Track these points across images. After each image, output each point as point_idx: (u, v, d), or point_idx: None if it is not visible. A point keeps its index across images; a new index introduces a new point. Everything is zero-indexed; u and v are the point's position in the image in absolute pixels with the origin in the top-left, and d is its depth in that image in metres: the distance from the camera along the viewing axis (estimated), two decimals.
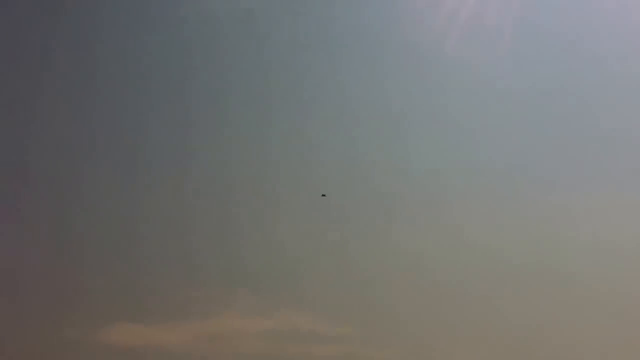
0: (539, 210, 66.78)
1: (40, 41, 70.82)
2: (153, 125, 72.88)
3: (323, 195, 65.13)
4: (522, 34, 76.73)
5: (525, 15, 77.30)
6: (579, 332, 59.91)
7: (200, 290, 63.30)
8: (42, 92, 68.86)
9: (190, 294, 62.82)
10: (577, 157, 71.25)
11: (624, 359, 57.86)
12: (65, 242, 64.64)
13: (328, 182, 70.90)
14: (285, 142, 74.00)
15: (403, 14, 76.07)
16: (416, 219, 68.90)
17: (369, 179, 71.84)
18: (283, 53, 77.27)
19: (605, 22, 78.53)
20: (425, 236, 67.82)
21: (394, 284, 64.43)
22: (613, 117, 73.84)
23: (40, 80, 70.09)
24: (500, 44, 73.43)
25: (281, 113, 75.49)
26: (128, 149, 70.68)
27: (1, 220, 63.83)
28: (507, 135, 73.25)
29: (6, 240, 62.18)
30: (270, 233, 67.34)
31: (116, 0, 73.34)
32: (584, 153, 71.37)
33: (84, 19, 73.35)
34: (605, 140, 71.95)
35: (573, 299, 62.24)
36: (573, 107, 74.56)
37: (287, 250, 66.58)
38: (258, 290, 64.11)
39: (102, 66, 72.79)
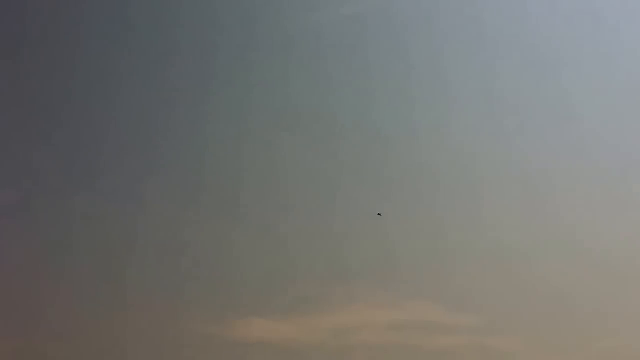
0: None
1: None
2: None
3: (379, 214, 65.47)
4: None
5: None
6: None
7: (326, 285, 64.82)
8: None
9: (316, 289, 64.41)
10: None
11: None
12: (190, 242, 67.20)
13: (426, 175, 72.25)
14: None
15: None
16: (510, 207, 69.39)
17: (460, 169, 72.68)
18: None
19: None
20: (529, 225, 68.36)
21: (517, 275, 64.82)
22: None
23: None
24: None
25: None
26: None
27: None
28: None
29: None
30: (390, 227, 68.50)
31: None
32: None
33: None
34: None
35: None
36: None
37: (409, 243, 67.94)
38: (384, 283, 65.07)
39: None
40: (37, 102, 69.86)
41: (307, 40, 76.82)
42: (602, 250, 64.37)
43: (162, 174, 69.80)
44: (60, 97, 71.03)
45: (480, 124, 74.44)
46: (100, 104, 72.10)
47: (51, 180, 66.72)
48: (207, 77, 75.00)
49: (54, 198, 65.74)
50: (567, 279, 63.59)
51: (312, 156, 72.95)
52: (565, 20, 78.16)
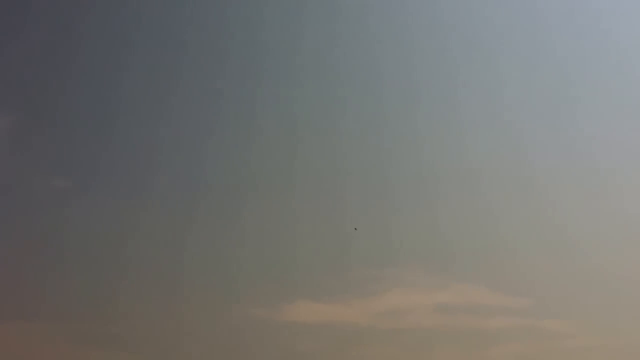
0: None
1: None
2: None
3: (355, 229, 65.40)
4: None
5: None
6: None
7: (374, 268, 65.03)
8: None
9: (365, 272, 64.61)
10: None
11: None
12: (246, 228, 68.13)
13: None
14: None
15: None
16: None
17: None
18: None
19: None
20: (581, 206, 67.61)
21: (568, 256, 64.29)
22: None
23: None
24: None
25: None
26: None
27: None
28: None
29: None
30: (439, 210, 68.56)
31: None
32: None
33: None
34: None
35: None
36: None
37: (458, 226, 67.68)
38: (433, 265, 65.18)
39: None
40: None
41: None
42: None
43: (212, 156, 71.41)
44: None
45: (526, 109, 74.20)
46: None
47: (103, 168, 67.88)
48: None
49: (106, 184, 67.14)
50: (620, 260, 62.97)
51: (362, 144, 73.47)
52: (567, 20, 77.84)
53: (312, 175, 70.65)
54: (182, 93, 71.10)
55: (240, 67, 74.23)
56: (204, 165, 69.78)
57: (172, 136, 69.88)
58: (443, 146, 72.33)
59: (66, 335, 57.05)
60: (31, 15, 68.73)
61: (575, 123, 72.30)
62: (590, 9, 77.47)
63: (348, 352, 59.98)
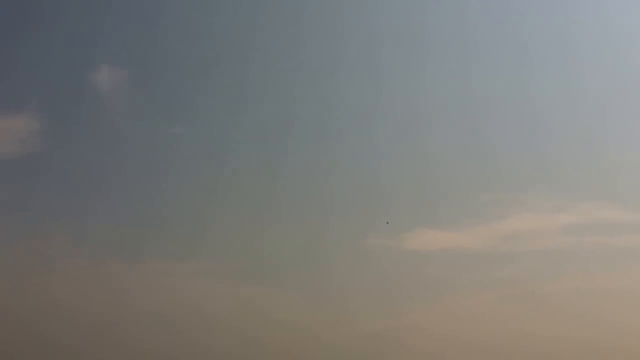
0: None
1: None
2: None
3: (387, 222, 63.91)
4: None
5: None
6: None
7: (494, 192, 65.07)
8: None
9: (486, 197, 64.72)
10: None
11: None
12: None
13: None
14: None
15: None
16: None
17: None
18: None
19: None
20: None
21: None
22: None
23: None
24: None
25: None
26: None
27: None
28: None
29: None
30: (554, 130, 67.56)
31: None
32: None
33: None
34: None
35: None
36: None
37: (574, 144, 66.77)
38: (553, 186, 64.78)
39: None
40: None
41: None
42: None
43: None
44: None
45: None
46: None
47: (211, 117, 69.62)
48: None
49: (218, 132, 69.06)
50: None
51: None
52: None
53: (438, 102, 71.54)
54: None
55: None
56: (336, 111, 71.14)
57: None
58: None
59: (223, 272, 59.61)
60: None
61: None
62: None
63: (474, 277, 60.52)
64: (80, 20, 67.98)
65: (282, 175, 66.72)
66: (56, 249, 57.41)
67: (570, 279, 59.00)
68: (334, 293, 59.02)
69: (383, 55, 72.32)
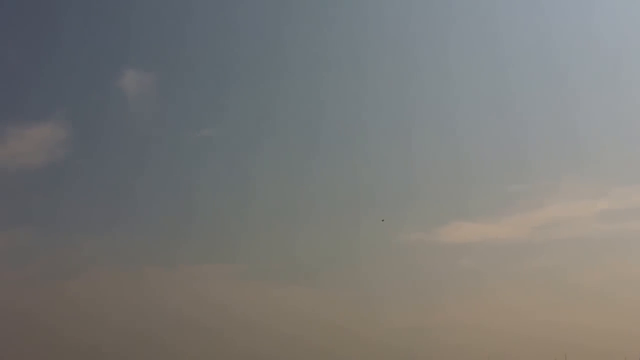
0: None
1: None
2: None
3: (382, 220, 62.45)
4: None
5: None
6: None
7: (527, 181, 64.17)
8: None
9: (517, 187, 63.79)
10: None
11: None
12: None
13: None
14: None
15: None
16: None
17: None
18: None
19: None
20: None
21: None
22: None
23: None
24: None
25: None
26: None
27: None
28: None
29: None
30: (587, 117, 66.44)
31: None
32: None
33: None
34: None
35: None
36: None
37: (609, 129, 65.62)
38: (586, 173, 63.47)
39: None
40: None
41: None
42: None
43: None
44: None
45: None
46: None
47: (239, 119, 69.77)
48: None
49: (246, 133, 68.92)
50: None
51: None
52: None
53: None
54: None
55: None
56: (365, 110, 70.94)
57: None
58: None
59: (256, 274, 59.70)
60: None
61: None
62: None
63: (510, 267, 59.79)
64: (105, 26, 68.72)
65: (312, 174, 66.95)
66: (87, 256, 57.88)
67: (608, 268, 57.79)
68: (367, 290, 58.73)
69: (414, 52, 72.60)
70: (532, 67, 70.93)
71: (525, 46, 71.95)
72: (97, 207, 61.24)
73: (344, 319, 56.66)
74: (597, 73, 69.91)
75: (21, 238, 57.50)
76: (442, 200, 64.59)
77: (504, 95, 69.61)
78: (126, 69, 67.04)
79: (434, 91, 71.28)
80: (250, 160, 66.80)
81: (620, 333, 51.48)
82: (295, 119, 70.14)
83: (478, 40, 72.41)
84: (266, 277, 59.11)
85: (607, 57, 69.64)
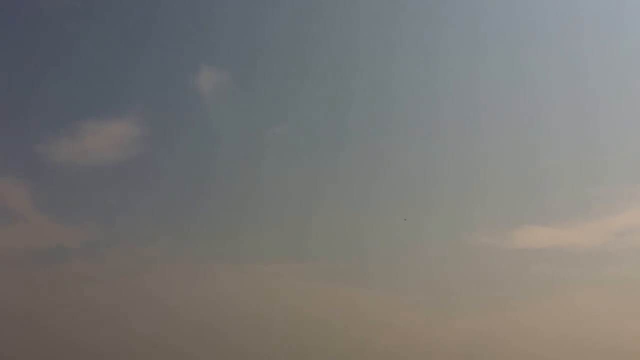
0: None
1: None
2: None
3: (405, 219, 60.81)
4: None
5: None
6: None
7: (603, 185, 62.30)
8: None
9: (594, 191, 62.14)
10: None
11: None
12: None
13: None
14: None
15: None
16: None
17: None
18: None
19: None
20: None
21: None
22: None
23: None
24: None
25: None
26: None
27: None
28: None
29: None
30: None
31: None
32: None
33: None
34: None
35: None
36: None
37: None
38: None
39: None
40: None
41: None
42: None
43: None
44: None
45: None
46: None
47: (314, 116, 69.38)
48: None
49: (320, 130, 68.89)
50: None
51: None
52: None
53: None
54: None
55: None
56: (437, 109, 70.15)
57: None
58: None
59: (325, 273, 59.27)
60: None
61: None
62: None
63: (585, 275, 58.24)
64: (181, 25, 69.07)
65: (386, 174, 66.11)
66: (159, 251, 58.53)
67: None
68: (436, 293, 58.03)
69: (488, 49, 71.57)
70: (613, 68, 69.03)
71: (606, 46, 70.07)
72: (170, 203, 61.98)
73: (411, 322, 56.42)
74: None
75: (96, 233, 58.54)
76: (514, 203, 63.40)
77: (582, 95, 67.91)
78: (201, 66, 67.58)
79: (511, 89, 69.94)
80: (323, 158, 66.86)
81: None
82: (369, 116, 69.55)
83: (559, 40, 70.88)
84: (336, 277, 58.83)
85: None
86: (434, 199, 63.97)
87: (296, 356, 54.06)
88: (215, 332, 54.14)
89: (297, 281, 58.55)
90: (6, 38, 64.71)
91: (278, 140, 66.55)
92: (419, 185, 65.41)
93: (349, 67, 71.14)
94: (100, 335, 52.59)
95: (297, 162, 66.22)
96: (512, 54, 71.01)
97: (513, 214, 62.31)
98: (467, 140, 67.76)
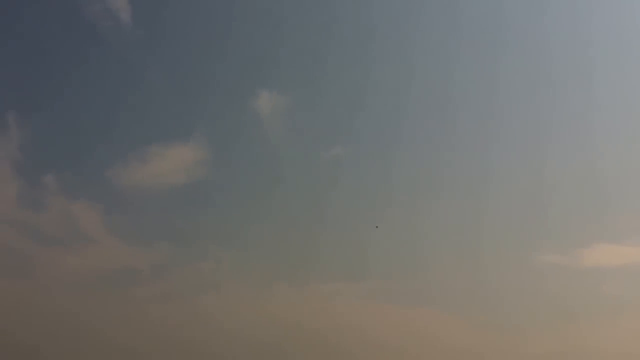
0: None
1: None
2: None
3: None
4: None
5: None
6: None
7: None
8: None
9: None
10: None
11: None
12: None
13: None
14: None
15: None
16: None
17: None
18: None
19: None
20: None
21: None
22: None
23: None
24: None
25: None
26: None
27: None
28: None
29: None
30: None
31: None
32: None
33: None
34: None
35: None
36: None
37: None
38: None
39: None
40: None
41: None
42: None
43: None
44: None
45: None
46: None
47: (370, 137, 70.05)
48: None
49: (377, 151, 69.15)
50: None
51: None
52: None
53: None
54: None
55: None
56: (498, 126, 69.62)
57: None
58: None
59: (388, 294, 59.21)
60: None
61: None
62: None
63: None
64: (242, 50, 70.99)
65: (444, 193, 65.72)
66: (223, 272, 59.60)
67: None
68: (501, 313, 57.06)
69: (555, 62, 70.63)
70: None
71: None
72: (233, 223, 63.12)
73: (476, 343, 55.60)
74: None
75: (163, 254, 60.08)
76: (583, 220, 62.14)
77: None
78: (261, 90, 69.10)
79: (578, 105, 68.76)
80: (379, 179, 67.16)
81: None
82: (426, 137, 69.93)
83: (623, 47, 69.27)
84: (399, 298, 58.64)
85: None
86: (499, 216, 63.61)
87: None
88: (277, 352, 54.62)
89: (359, 300, 58.58)
90: (78, 70, 67.86)
91: (335, 161, 67.47)
92: (482, 203, 64.68)
93: (406, 90, 71.64)
94: (167, 355, 53.82)
95: (355, 182, 66.79)
96: (575, 68, 69.78)
97: (581, 232, 61.24)
98: (532, 157, 67.23)
